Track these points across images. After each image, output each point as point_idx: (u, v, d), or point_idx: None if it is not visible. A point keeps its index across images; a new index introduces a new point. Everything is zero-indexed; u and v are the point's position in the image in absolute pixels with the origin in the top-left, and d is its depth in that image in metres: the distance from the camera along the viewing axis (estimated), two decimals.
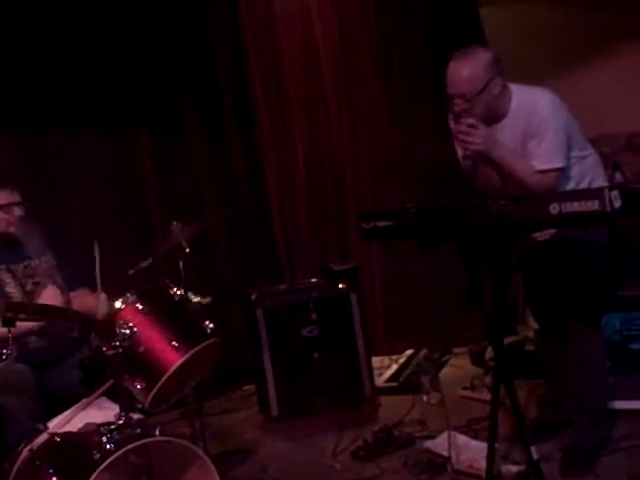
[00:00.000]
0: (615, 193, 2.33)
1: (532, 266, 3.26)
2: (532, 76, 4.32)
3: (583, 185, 3.01)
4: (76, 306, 3.27)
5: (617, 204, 2.32)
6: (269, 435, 4.07)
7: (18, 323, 2.69)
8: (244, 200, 5.22)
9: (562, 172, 2.96)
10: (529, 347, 4.24)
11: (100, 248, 2.94)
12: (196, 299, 3.18)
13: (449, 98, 2.99)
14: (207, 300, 3.25)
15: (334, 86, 5.29)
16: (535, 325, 3.52)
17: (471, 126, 2.89)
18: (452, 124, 3.05)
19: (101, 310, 3.02)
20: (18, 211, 3.35)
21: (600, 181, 3.10)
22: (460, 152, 3.12)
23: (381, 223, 2.82)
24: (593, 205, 2.34)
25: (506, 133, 3.02)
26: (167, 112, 4.93)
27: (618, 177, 3.96)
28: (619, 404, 3.44)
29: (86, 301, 3.22)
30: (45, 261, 3.42)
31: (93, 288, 3.30)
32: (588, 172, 3.07)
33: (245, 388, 4.74)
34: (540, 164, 2.93)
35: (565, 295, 3.10)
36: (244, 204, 5.18)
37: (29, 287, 3.32)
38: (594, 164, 3.13)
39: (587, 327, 3.13)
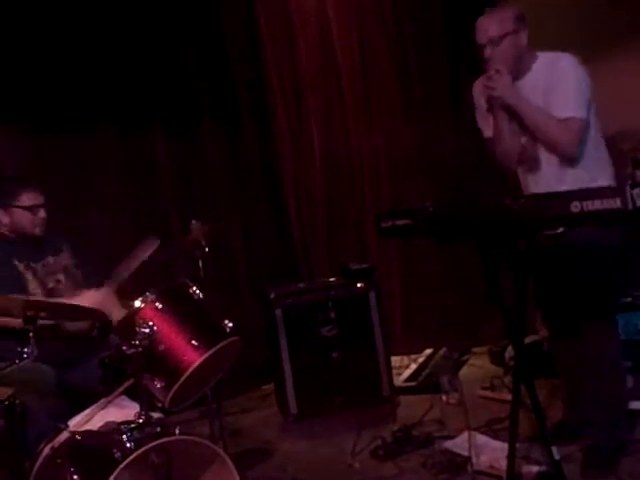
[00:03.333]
0: (637, 191, 2.31)
1: (542, 268, 3.23)
2: None
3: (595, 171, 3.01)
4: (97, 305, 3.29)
5: (639, 202, 2.30)
6: (288, 434, 4.08)
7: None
8: (261, 199, 5.22)
9: (585, 125, 2.95)
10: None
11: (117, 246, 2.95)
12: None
13: (479, 50, 3.06)
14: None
15: (351, 81, 5.28)
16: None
17: (497, 71, 2.97)
18: (475, 90, 3.11)
19: (117, 314, 3.05)
20: (43, 213, 3.38)
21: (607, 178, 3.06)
22: (485, 130, 3.17)
23: (400, 222, 2.81)
24: (615, 203, 2.32)
25: (528, 88, 3.05)
26: (183, 108, 4.94)
27: (639, 175, 3.91)
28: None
29: (104, 301, 3.24)
30: (64, 259, 3.44)
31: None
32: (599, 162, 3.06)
33: (264, 387, 4.76)
34: (562, 112, 2.94)
35: (576, 297, 3.08)
36: (261, 203, 5.18)
37: (51, 285, 3.33)
38: (605, 160, 3.11)
39: (600, 328, 3.10)
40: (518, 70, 3.07)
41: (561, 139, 2.95)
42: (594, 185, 2.89)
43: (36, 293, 3.26)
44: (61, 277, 3.36)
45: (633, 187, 2.32)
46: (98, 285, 3.33)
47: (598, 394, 3.14)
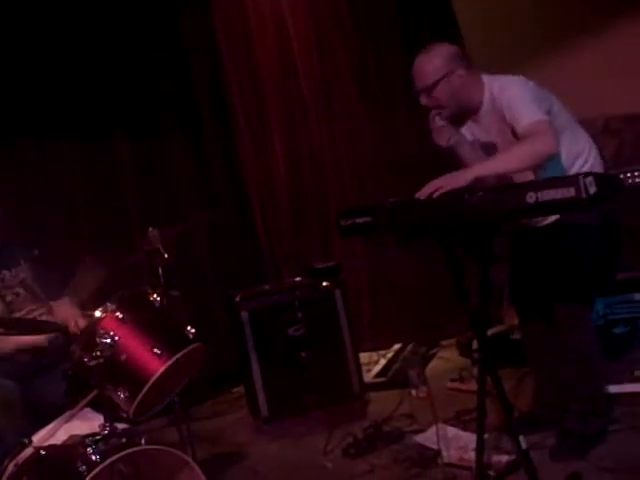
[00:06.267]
0: (590, 179, 2.33)
1: (520, 252, 3.23)
2: (511, 62, 4.36)
3: (577, 164, 2.99)
4: (58, 317, 3.25)
5: (592, 190, 2.32)
6: (259, 436, 4.07)
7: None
8: (225, 201, 5.21)
9: (549, 123, 2.87)
10: (515, 336, 4.24)
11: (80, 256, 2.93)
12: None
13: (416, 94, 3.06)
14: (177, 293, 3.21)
15: (310, 85, 5.29)
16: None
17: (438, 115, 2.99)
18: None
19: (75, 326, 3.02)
20: None
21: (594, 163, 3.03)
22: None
23: (360, 220, 2.81)
24: (569, 192, 2.34)
25: (487, 119, 3.06)
26: (144, 113, 4.91)
27: None
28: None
29: (65, 313, 3.20)
30: (21, 271, 3.38)
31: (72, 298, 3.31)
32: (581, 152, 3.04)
33: (234, 390, 4.74)
34: (523, 121, 2.86)
35: (553, 279, 3.06)
36: (225, 205, 5.17)
37: (9, 298, 3.29)
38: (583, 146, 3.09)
39: (575, 312, 3.09)
40: (467, 107, 3.06)
41: (540, 147, 2.82)
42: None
43: None
44: (19, 290, 3.31)
45: (586, 176, 2.35)
46: (58, 296, 3.29)
47: (574, 382, 3.13)
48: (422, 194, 2.74)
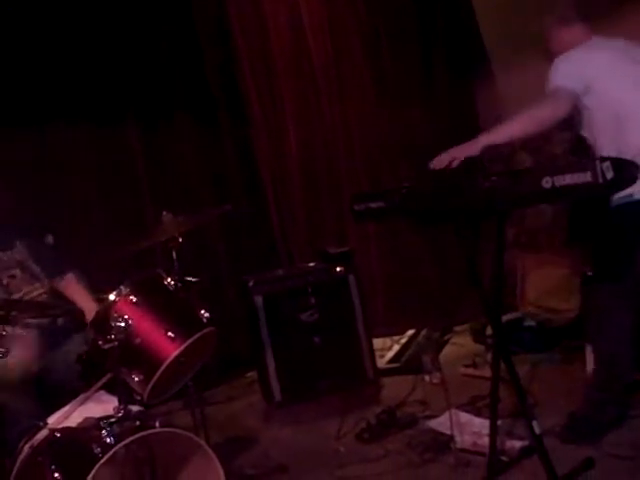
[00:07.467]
0: (607, 164, 2.31)
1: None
2: (524, 44, 4.31)
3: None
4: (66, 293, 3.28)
5: (609, 175, 2.30)
6: (272, 421, 4.09)
7: None
8: (238, 187, 5.20)
9: (566, 91, 2.87)
10: (529, 323, 4.23)
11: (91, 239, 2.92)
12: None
13: None
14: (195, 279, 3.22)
15: (323, 68, 5.26)
16: None
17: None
18: None
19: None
20: None
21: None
22: None
23: (373, 205, 2.80)
24: (585, 177, 2.32)
25: None
26: (156, 100, 4.90)
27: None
28: None
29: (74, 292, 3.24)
30: (17, 253, 3.39)
31: (81, 273, 3.34)
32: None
33: (247, 375, 4.75)
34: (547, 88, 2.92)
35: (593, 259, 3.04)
36: (238, 191, 5.16)
37: (5, 280, 3.31)
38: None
39: (602, 293, 3.03)
40: None
41: (542, 112, 2.86)
42: None
43: None
44: (16, 272, 3.32)
45: (603, 160, 2.32)
46: (59, 274, 3.33)
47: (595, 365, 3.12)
48: (437, 164, 2.74)
